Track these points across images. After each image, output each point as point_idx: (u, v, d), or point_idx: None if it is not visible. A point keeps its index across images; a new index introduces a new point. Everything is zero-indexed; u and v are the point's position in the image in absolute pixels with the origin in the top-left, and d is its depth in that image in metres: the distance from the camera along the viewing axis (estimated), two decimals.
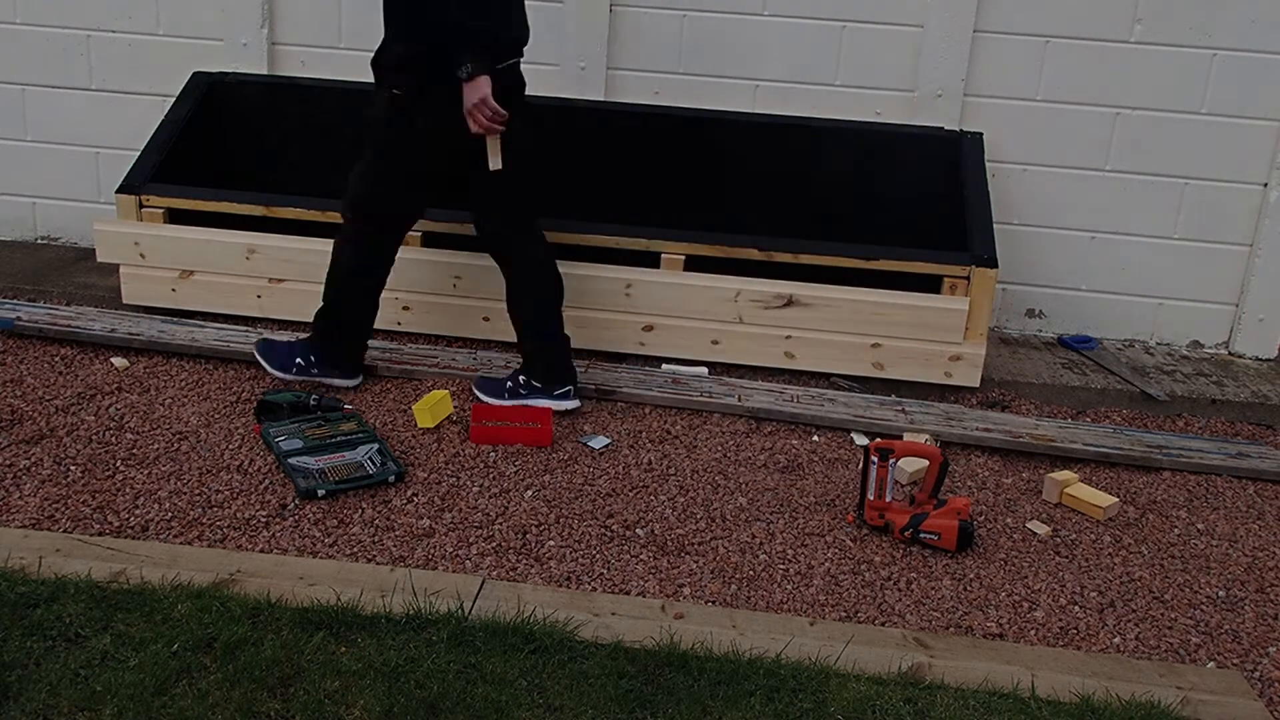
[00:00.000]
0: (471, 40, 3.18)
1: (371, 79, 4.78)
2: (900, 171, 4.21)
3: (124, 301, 4.11)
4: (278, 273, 4.03)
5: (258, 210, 4.06)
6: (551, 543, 2.89)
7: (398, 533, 2.88)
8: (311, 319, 3.63)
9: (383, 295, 4.00)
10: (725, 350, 3.94)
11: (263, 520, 2.89)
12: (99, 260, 4.11)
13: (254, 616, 2.44)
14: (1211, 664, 2.63)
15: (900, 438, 3.52)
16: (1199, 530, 3.22)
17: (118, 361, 3.73)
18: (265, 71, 4.55)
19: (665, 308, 3.92)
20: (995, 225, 4.02)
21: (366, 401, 3.58)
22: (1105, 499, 3.25)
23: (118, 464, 3.11)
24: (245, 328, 3.99)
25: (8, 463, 3.07)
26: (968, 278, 3.83)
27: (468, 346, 4.01)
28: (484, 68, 3.18)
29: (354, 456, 3.15)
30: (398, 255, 3.98)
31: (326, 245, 3.98)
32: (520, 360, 3.62)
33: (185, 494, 2.98)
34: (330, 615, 2.46)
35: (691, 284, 3.91)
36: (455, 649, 2.38)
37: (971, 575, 2.89)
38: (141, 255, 4.05)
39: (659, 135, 4.33)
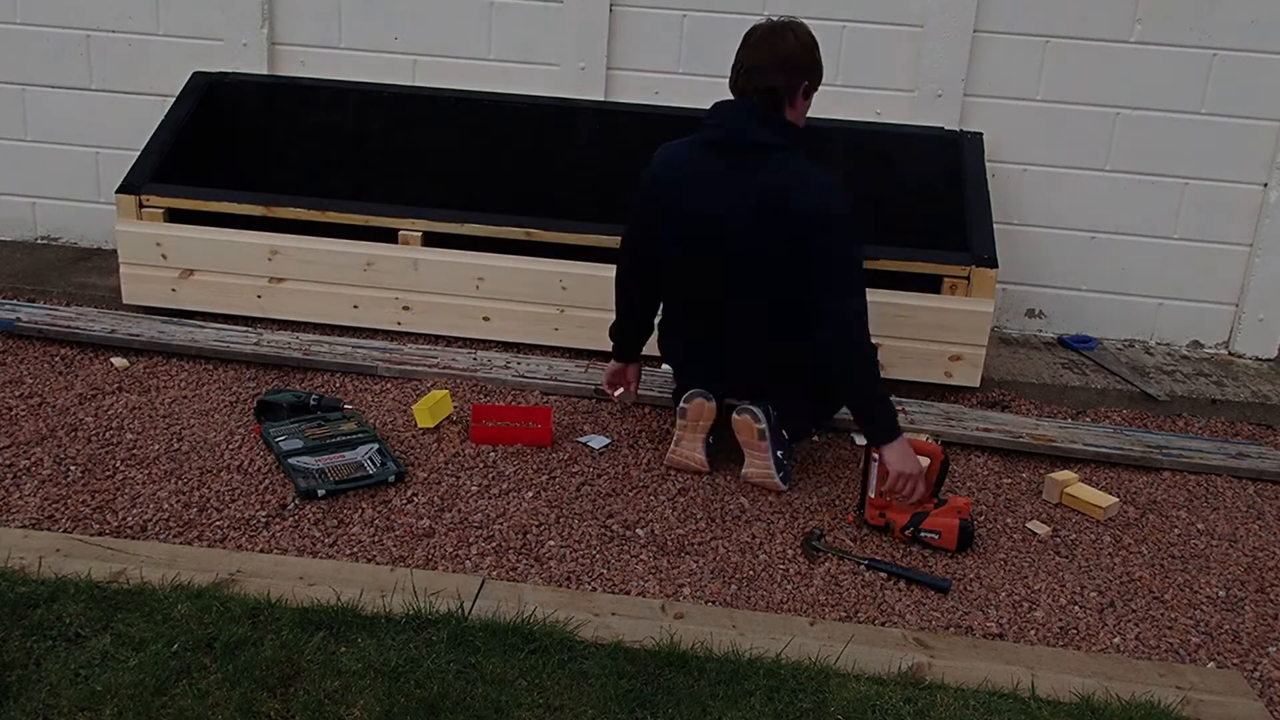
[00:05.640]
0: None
1: (366, 78, 4.78)
2: (900, 171, 4.21)
3: (124, 301, 4.11)
4: (301, 274, 4.02)
5: (258, 210, 4.06)
6: (551, 543, 2.89)
7: (398, 533, 2.88)
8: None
9: (383, 295, 4.03)
10: None
11: (263, 520, 2.89)
12: (121, 261, 4.08)
13: (254, 616, 2.44)
14: (1211, 664, 2.63)
15: None
16: (1199, 530, 3.22)
17: (118, 361, 3.73)
18: (265, 71, 4.55)
19: None
20: (995, 225, 4.01)
21: (366, 401, 3.58)
22: (1105, 499, 3.25)
23: (118, 464, 3.11)
24: (245, 329, 3.99)
25: (8, 463, 3.07)
26: (968, 278, 3.83)
27: (468, 346, 4.01)
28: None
29: (354, 456, 3.15)
30: (398, 255, 3.99)
31: (347, 246, 3.99)
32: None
33: (185, 494, 2.98)
34: (330, 615, 2.46)
35: None
36: (455, 649, 2.38)
37: (971, 575, 2.89)
38: (164, 256, 4.04)
39: (659, 135, 4.32)
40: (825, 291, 3.06)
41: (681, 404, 3.25)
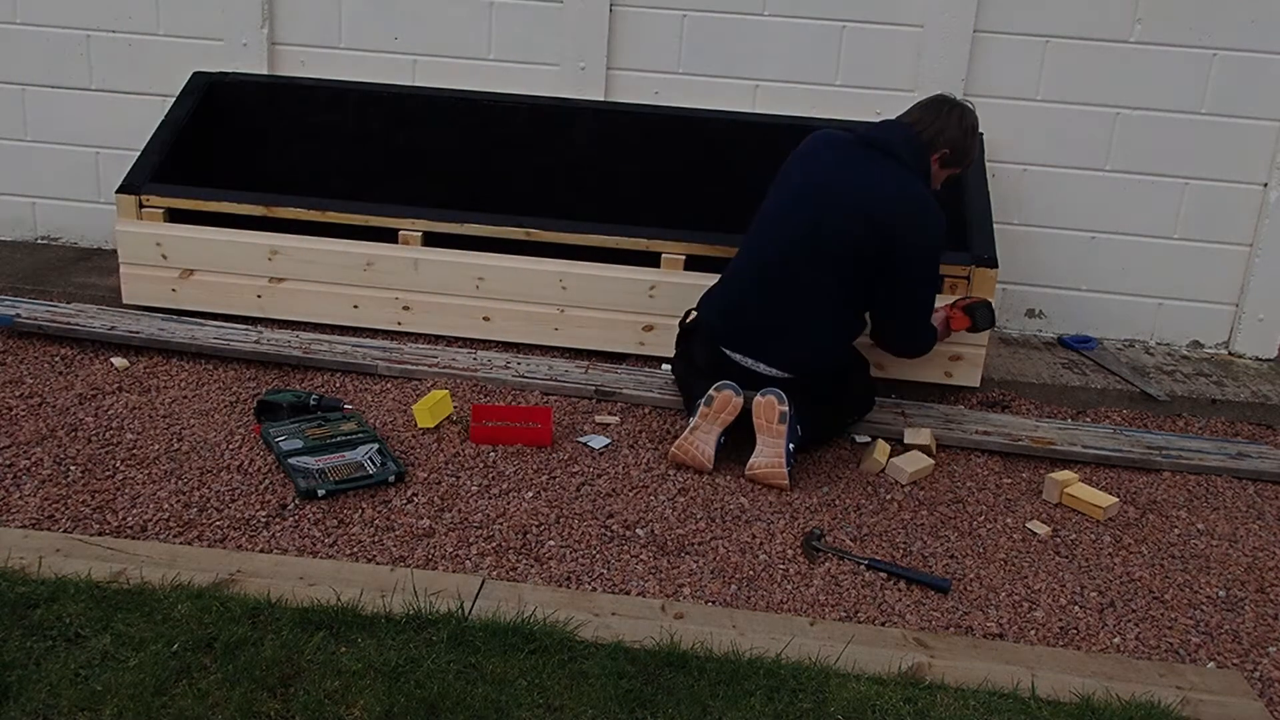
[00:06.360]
0: None
1: (366, 78, 4.77)
2: None
3: (124, 301, 4.11)
4: (301, 274, 4.02)
5: (258, 210, 4.06)
6: (551, 543, 2.89)
7: (398, 533, 2.88)
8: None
9: (383, 295, 4.03)
10: None
11: (263, 520, 2.89)
12: (121, 261, 4.08)
13: (254, 616, 2.44)
14: (1211, 664, 2.63)
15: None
16: (1199, 530, 3.22)
17: (118, 362, 3.73)
18: (265, 71, 4.55)
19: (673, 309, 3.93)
20: (995, 225, 4.01)
21: (366, 401, 3.58)
22: (1105, 499, 3.25)
23: (118, 464, 3.11)
24: (245, 327, 3.99)
25: (8, 463, 3.07)
26: (968, 278, 3.83)
27: (468, 346, 4.02)
28: None
29: (354, 456, 3.15)
30: (398, 255, 3.99)
31: (347, 246, 3.99)
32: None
33: (185, 494, 2.99)
34: (330, 615, 2.47)
35: None
36: (455, 649, 2.38)
37: (971, 575, 2.90)
38: (164, 256, 4.03)
39: (659, 135, 4.33)
40: (892, 313, 3.46)
41: (710, 392, 3.27)
